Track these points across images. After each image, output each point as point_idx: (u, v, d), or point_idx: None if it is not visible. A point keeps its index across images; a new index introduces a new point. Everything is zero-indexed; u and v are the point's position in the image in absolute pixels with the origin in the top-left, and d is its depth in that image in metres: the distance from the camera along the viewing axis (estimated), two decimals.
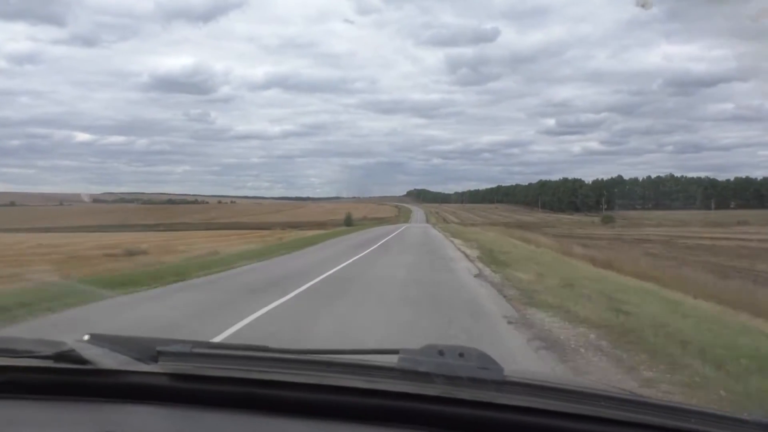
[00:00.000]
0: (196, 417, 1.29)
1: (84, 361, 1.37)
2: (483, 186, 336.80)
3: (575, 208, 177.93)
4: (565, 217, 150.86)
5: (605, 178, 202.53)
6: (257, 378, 1.34)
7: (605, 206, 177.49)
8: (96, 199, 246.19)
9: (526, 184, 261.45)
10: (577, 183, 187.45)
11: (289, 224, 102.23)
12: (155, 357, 1.42)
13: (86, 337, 1.49)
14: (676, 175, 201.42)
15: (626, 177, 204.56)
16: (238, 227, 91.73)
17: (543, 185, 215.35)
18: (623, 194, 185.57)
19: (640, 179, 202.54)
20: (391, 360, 1.33)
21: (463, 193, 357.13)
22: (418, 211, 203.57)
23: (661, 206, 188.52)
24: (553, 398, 1.25)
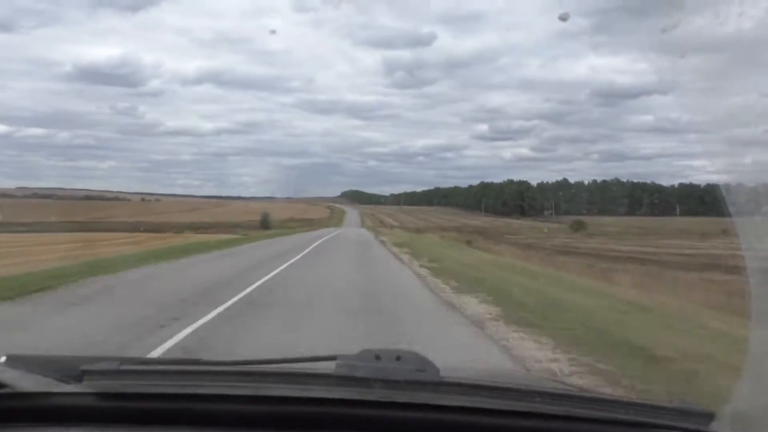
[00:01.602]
0: None
1: (1, 385, 1.27)
2: (419, 188, 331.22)
3: (521, 212, 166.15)
4: (513, 221, 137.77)
5: (550, 181, 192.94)
6: (190, 393, 1.28)
7: (551, 210, 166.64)
8: (4, 194, 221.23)
9: (466, 186, 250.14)
10: (524, 185, 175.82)
11: (200, 226, 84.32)
12: (79, 377, 1.33)
13: (2, 359, 1.40)
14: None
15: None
16: (122, 229, 71.81)
17: (485, 187, 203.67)
18: (569, 198, 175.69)
19: (586, 183, 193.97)
20: (328, 367, 1.32)
21: (398, 195, 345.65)
22: (352, 212, 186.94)
23: (606, 211, 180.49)
24: (490, 396, 1.27)
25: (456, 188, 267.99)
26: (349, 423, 1.20)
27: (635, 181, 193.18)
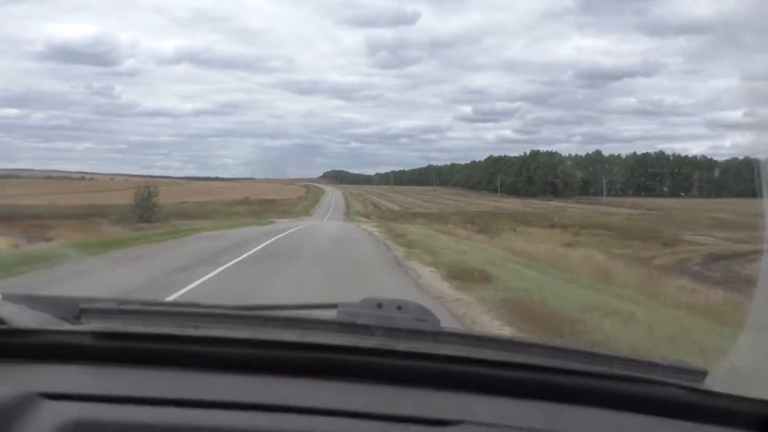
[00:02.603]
0: (126, 375, 1.19)
1: None
2: (403, 170, 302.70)
3: (553, 191, 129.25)
4: (566, 205, 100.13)
5: (582, 154, 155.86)
6: (189, 335, 1.26)
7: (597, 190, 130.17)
8: None
9: (467, 162, 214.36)
10: (555, 157, 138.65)
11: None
12: (78, 315, 1.35)
13: None
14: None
15: None
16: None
17: (497, 162, 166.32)
18: (602, 175, 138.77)
19: (623, 156, 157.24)
20: (329, 314, 1.33)
21: (386, 174, 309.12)
22: (334, 192, 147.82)
23: (644, 190, 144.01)
24: (488, 347, 1.30)
25: (454, 165, 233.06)
26: (348, 369, 1.19)
27: (676, 155, 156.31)
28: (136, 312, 1.46)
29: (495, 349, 1.30)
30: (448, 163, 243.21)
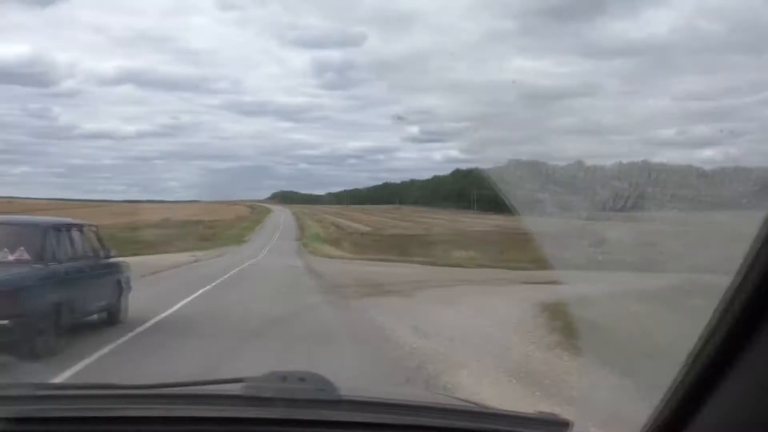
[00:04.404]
0: None
1: None
2: (352, 190, 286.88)
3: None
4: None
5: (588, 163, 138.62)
6: (103, 416, 1.33)
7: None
8: None
9: (428, 177, 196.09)
10: (543, 167, 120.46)
11: None
12: None
13: None
14: None
15: None
16: None
17: (466, 175, 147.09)
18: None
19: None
20: (236, 388, 1.38)
21: (338, 194, 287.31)
22: (282, 212, 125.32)
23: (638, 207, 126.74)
24: (382, 412, 1.39)
25: (414, 182, 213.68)
26: None
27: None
28: (50, 397, 1.48)
29: (389, 413, 1.38)
30: (398, 182, 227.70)
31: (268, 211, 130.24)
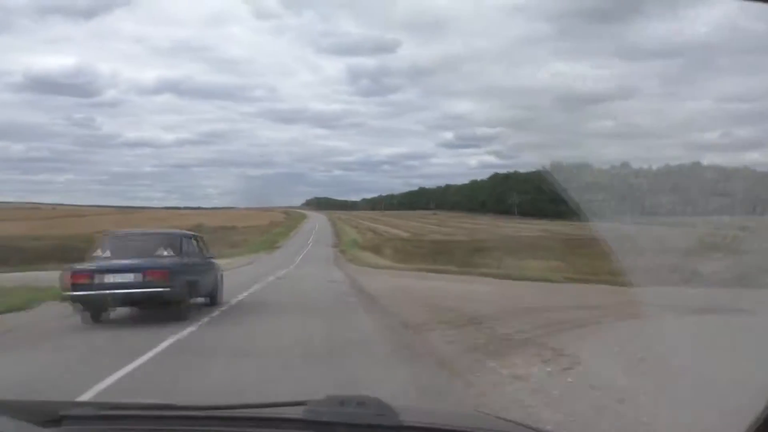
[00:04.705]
0: None
1: None
2: (392, 193, 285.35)
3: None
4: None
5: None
6: None
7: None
8: None
9: (465, 182, 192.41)
10: (585, 170, 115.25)
11: None
12: (58, 421, 1.37)
13: None
14: None
15: None
16: None
17: (506, 179, 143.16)
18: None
19: (654, 168, 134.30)
20: (296, 411, 1.37)
21: (373, 199, 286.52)
22: (317, 217, 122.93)
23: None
24: None
25: (449, 187, 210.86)
26: None
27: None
28: (114, 417, 1.50)
29: None
30: (433, 187, 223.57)
31: (303, 216, 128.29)
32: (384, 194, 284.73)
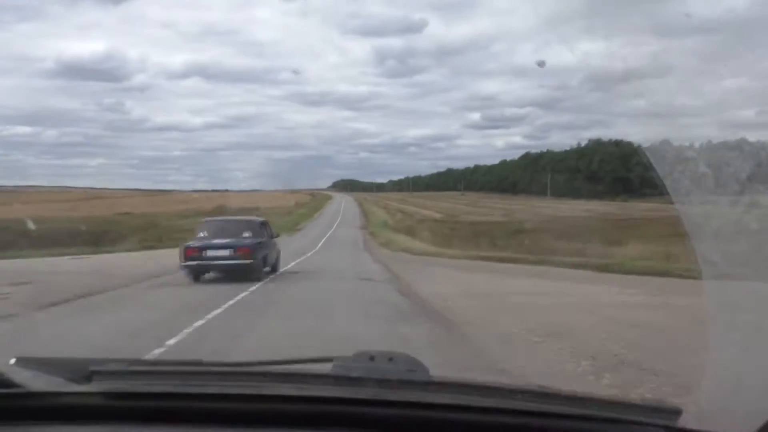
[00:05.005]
0: None
1: (13, 385, 1.32)
2: (419, 175, 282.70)
3: (625, 190, 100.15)
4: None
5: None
6: (194, 392, 1.35)
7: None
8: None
9: (495, 162, 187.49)
10: (628, 147, 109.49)
11: None
12: (89, 377, 1.40)
13: (12, 361, 1.45)
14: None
15: None
16: None
17: (538, 158, 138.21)
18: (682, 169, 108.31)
19: (696, 145, 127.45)
20: (325, 368, 1.38)
21: (400, 181, 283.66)
22: (343, 198, 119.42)
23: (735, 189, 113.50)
24: (474, 394, 1.35)
25: (477, 168, 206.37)
26: (345, 420, 1.25)
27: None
28: (143, 372, 1.54)
29: (480, 396, 1.33)
30: (461, 168, 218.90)
31: (329, 197, 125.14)
32: (411, 176, 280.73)
